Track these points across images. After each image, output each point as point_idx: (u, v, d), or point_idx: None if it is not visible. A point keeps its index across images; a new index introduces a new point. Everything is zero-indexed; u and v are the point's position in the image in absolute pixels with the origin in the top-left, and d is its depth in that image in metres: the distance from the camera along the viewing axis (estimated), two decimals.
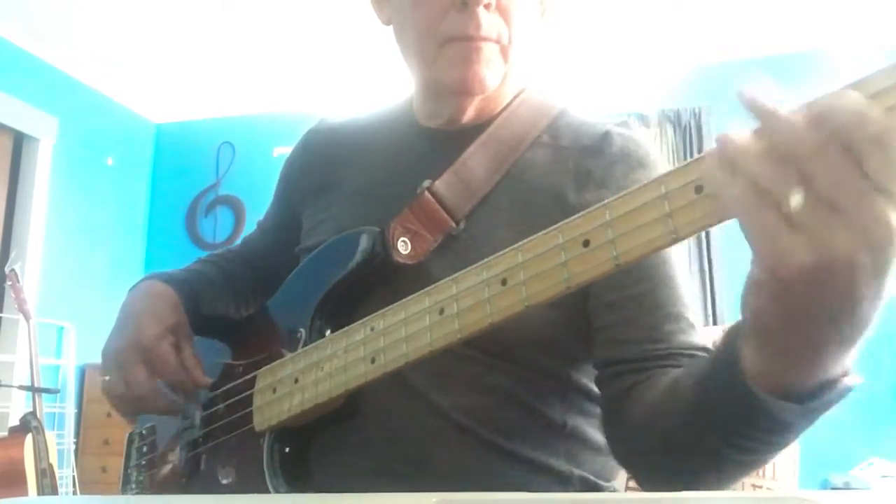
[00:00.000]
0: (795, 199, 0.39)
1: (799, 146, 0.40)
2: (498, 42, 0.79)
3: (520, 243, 0.58)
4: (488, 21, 0.77)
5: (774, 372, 0.51)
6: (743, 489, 0.91)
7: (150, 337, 0.84)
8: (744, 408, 0.54)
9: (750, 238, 0.43)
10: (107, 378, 0.86)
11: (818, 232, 0.40)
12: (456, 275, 0.63)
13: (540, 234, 0.56)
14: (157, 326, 0.85)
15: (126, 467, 1.00)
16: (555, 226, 0.55)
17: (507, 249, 0.59)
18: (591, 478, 0.79)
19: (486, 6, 0.77)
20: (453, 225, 0.79)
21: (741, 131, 0.43)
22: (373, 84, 3.69)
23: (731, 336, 0.55)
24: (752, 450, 0.58)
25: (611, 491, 0.82)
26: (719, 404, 0.57)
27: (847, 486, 3.12)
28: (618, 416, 0.73)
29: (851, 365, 0.51)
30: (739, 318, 0.52)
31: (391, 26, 0.87)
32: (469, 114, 0.85)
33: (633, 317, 0.73)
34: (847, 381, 0.51)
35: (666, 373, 0.69)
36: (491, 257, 0.60)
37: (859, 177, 0.39)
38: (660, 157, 0.84)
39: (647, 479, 0.74)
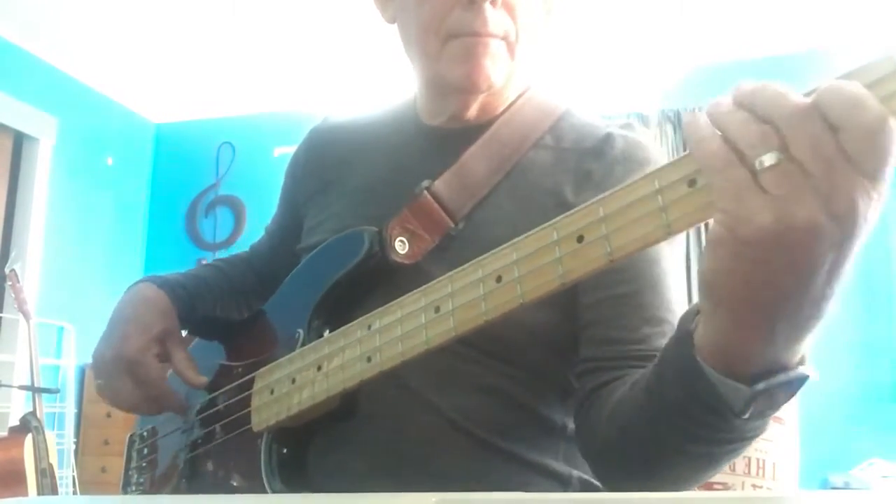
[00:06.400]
0: (768, 160, 0.41)
1: (781, 109, 0.41)
2: (505, 39, 0.78)
3: (514, 240, 0.58)
4: (495, 17, 0.76)
5: (723, 345, 0.50)
6: (743, 489, 0.91)
7: (135, 348, 0.85)
8: (690, 385, 0.53)
9: (717, 195, 0.44)
10: (99, 382, 0.88)
11: (783, 195, 0.41)
12: (451, 273, 0.62)
13: (535, 230, 0.56)
14: (142, 336, 0.85)
15: (127, 469, 1.00)
16: (549, 222, 0.55)
17: (502, 247, 0.59)
18: (591, 479, 0.79)
19: (493, 2, 0.76)
20: (452, 225, 0.79)
21: (727, 98, 0.44)
22: (373, 83, 3.70)
23: (689, 313, 0.55)
24: (703, 439, 0.57)
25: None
26: (668, 384, 0.57)
27: (847, 486, 3.12)
28: (587, 412, 0.73)
29: (806, 356, 0.51)
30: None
31: (395, 24, 0.87)
32: (472, 111, 0.84)
33: (615, 316, 0.73)
34: (801, 370, 0.50)
35: (638, 373, 0.68)
36: (486, 255, 0.60)
37: (834, 146, 0.40)
38: (662, 159, 0.82)
39: (606, 475, 0.74)
